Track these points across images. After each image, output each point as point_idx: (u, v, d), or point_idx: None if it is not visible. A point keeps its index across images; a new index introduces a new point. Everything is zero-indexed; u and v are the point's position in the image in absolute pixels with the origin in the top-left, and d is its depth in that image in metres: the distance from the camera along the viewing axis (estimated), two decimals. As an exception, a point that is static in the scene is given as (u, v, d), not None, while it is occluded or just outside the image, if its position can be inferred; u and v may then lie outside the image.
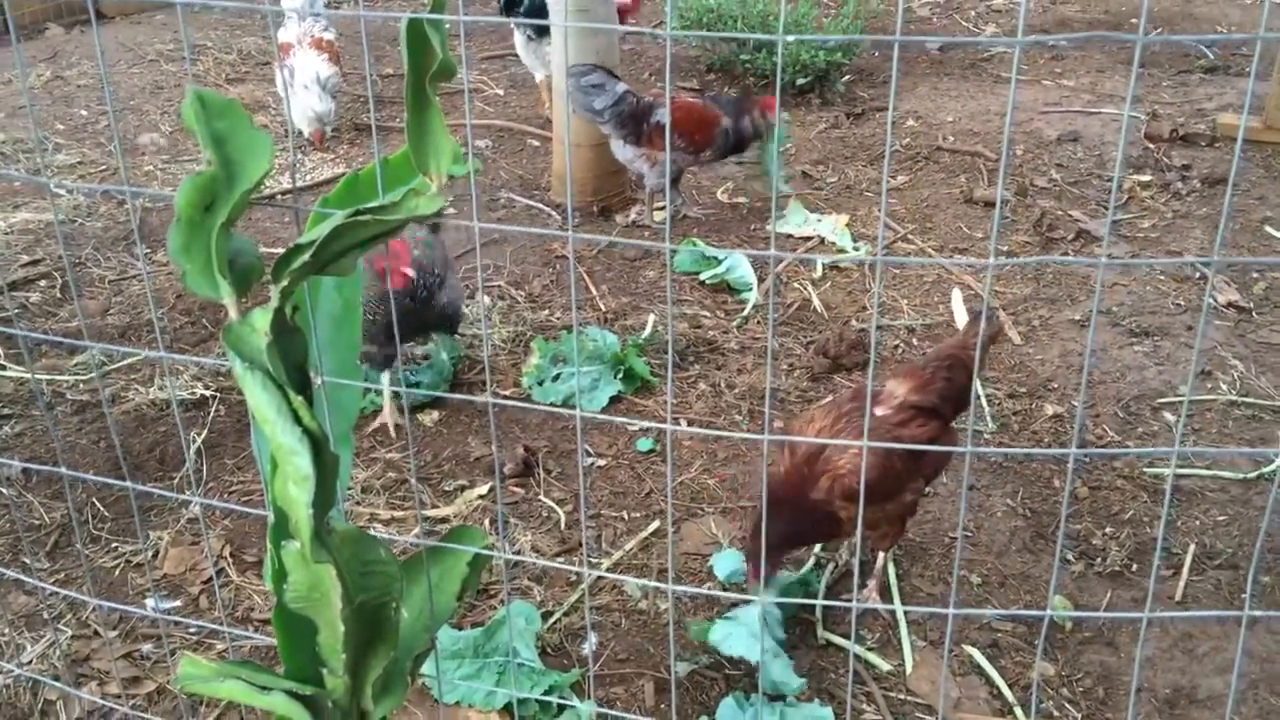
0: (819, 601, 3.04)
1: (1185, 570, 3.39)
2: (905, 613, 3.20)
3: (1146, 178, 6.00)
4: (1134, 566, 3.43)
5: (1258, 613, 1.45)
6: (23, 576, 2.91)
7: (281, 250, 1.43)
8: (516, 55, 7.55)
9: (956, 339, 3.39)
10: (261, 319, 1.45)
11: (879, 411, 3.07)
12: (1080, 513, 3.66)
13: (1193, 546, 3.48)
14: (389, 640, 1.66)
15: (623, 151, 5.53)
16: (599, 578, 3.36)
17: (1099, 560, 3.44)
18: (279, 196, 5.67)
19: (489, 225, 1.53)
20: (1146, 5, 1.44)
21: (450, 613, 1.81)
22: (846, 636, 3.16)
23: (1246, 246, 5.27)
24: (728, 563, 3.36)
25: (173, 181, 6.19)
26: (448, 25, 1.52)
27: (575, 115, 5.39)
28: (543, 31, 6.77)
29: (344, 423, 1.84)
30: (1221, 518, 3.62)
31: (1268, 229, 5.39)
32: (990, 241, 5.33)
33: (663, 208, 5.82)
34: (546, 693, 2.88)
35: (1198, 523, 3.59)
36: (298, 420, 1.45)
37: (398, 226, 1.49)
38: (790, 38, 1.18)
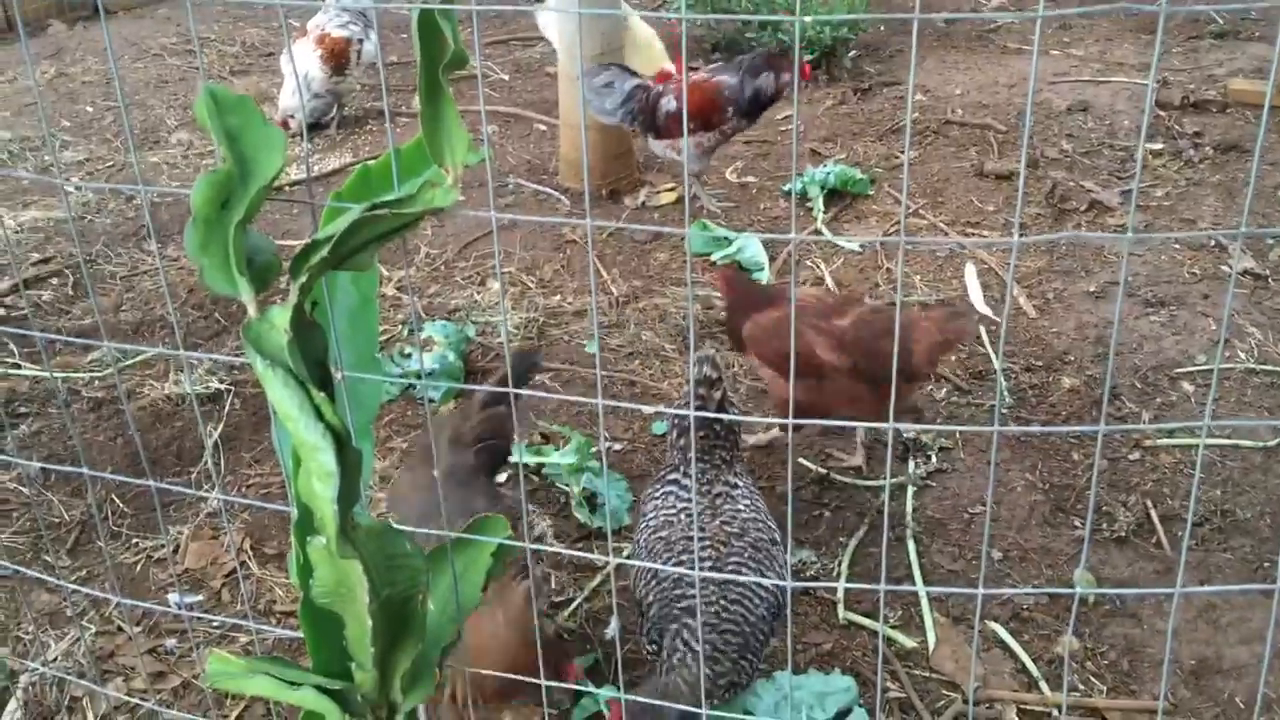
0: (840, 584, 3.03)
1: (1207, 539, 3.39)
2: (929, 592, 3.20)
3: (1158, 145, 5.95)
4: (1152, 537, 3.42)
5: (1289, 586, 1.44)
6: (44, 575, 2.92)
7: (292, 242, 1.42)
8: (520, 40, 7.50)
9: None
10: (281, 316, 1.45)
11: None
12: (1098, 483, 3.65)
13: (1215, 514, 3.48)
14: (416, 633, 1.66)
15: (654, 145, 5.40)
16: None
17: (1116, 529, 3.44)
18: (289, 188, 5.66)
19: (504, 215, 1.52)
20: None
21: (476, 603, 1.80)
22: (867, 616, 3.16)
23: (1261, 212, 5.23)
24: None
25: (181, 176, 6.18)
26: (458, 13, 1.50)
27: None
28: None
29: (365, 416, 1.83)
30: (1241, 486, 3.60)
31: (1282, 194, 5.36)
32: (1004, 215, 5.31)
33: (706, 185, 5.72)
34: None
35: (1218, 492, 3.58)
36: (320, 417, 1.45)
37: (415, 220, 1.48)
38: (808, 18, 1.17)
